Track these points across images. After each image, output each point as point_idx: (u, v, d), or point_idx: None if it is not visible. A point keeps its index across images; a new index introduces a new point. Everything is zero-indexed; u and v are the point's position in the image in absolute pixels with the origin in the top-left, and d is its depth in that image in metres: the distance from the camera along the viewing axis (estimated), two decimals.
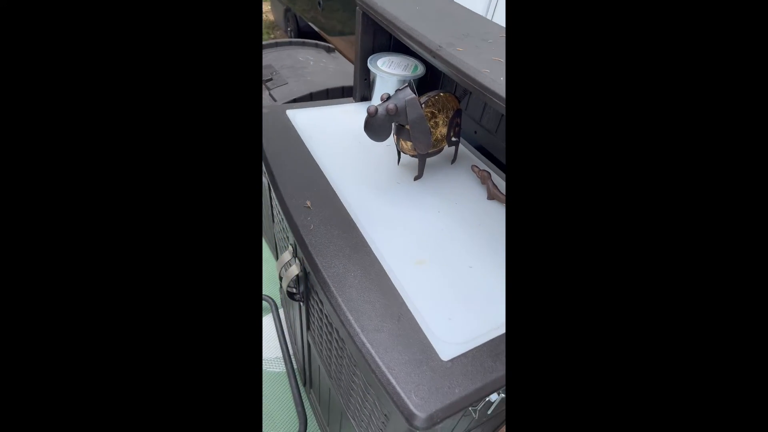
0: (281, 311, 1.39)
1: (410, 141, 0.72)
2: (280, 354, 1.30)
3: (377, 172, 0.82)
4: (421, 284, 0.60)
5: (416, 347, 0.52)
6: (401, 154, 0.83)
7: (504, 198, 0.77)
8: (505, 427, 1.12)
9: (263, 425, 1.19)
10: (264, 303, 1.43)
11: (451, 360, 0.52)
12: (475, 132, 0.93)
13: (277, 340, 1.29)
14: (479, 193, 0.81)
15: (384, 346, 0.52)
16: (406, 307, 0.57)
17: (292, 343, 1.23)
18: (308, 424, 1.19)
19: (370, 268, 0.62)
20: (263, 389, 1.25)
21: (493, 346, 0.54)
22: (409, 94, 0.68)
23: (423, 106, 0.74)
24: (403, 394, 0.47)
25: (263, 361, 1.32)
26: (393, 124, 0.73)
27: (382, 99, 0.68)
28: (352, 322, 0.54)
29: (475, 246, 0.69)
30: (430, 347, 0.53)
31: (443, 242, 0.68)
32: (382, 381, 0.49)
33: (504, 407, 0.79)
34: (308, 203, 0.71)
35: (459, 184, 0.83)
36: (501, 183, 0.85)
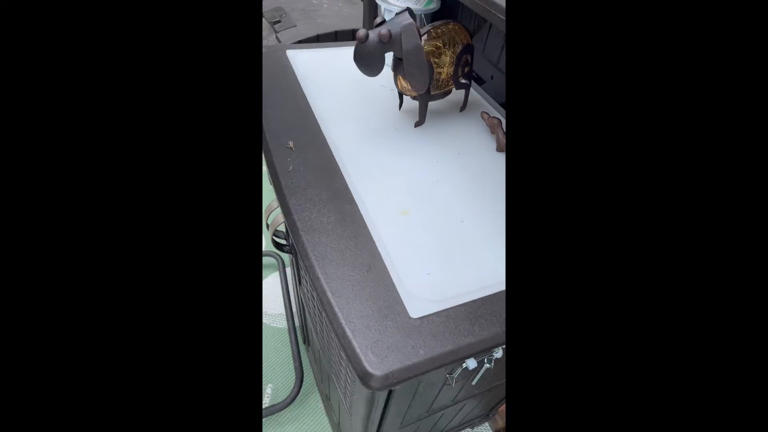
0: (288, 269, 1.38)
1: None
2: (284, 311, 1.29)
3: (375, 116, 0.75)
4: (403, 236, 0.54)
5: (383, 301, 0.46)
6: (403, 97, 0.75)
7: None
8: (505, 405, 1.06)
9: (264, 377, 1.20)
10: (271, 260, 1.42)
11: (421, 318, 0.45)
12: (492, 77, 0.82)
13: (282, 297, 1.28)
14: (488, 143, 0.71)
15: (346, 296, 0.46)
16: (380, 257, 0.51)
17: (295, 300, 1.22)
18: (306, 381, 1.18)
19: (346, 215, 0.55)
20: (267, 344, 1.26)
21: (474, 308, 0.47)
22: (406, 18, 0.58)
23: (426, 37, 0.64)
24: (358, 349, 0.42)
25: (268, 317, 1.32)
26: (392, 58, 0.64)
27: (375, 25, 0.60)
28: (316, 268, 0.48)
29: (471, 200, 0.60)
30: (399, 302, 0.46)
31: (435, 194, 0.61)
32: (338, 333, 0.44)
33: (498, 381, 0.72)
34: (290, 144, 0.65)
35: (466, 134, 0.73)
36: None
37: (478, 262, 0.52)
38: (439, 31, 0.65)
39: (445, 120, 0.76)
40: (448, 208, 0.58)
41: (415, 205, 0.58)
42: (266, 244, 1.44)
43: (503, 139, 0.68)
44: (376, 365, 0.41)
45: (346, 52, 0.94)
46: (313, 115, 0.73)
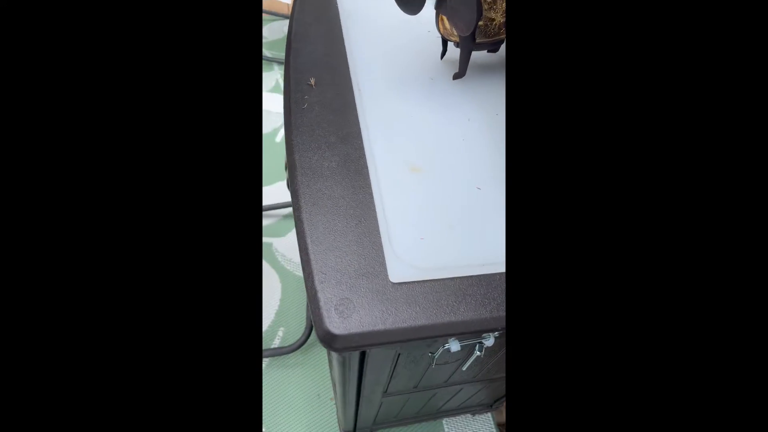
0: None
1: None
2: None
3: (412, 63, 0.67)
4: (406, 194, 0.48)
5: (365, 259, 0.42)
6: (447, 44, 0.66)
7: None
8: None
9: (278, 320, 1.23)
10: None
11: (400, 284, 0.40)
12: None
13: None
14: None
15: (326, 246, 0.42)
16: (374, 212, 0.45)
17: None
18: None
19: (350, 162, 0.50)
20: (286, 288, 1.28)
21: (465, 285, 0.41)
22: None
23: None
24: (321, 303, 0.38)
25: (292, 264, 1.34)
26: None
27: None
28: (302, 210, 0.45)
29: (495, 166, 0.52)
30: (381, 262, 0.41)
31: (456, 154, 0.53)
32: (307, 283, 0.40)
33: (500, 373, 0.66)
34: (312, 81, 0.60)
35: None
36: None
37: (483, 235, 0.45)
38: None
39: (492, 77, 0.67)
40: (467, 171, 0.51)
41: (430, 163, 0.52)
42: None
43: None
44: (336, 324, 0.37)
45: None
46: (345, 55, 0.67)
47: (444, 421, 1.11)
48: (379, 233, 0.44)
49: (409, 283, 0.40)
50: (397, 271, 0.41)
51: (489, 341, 0.45)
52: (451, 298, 0.40)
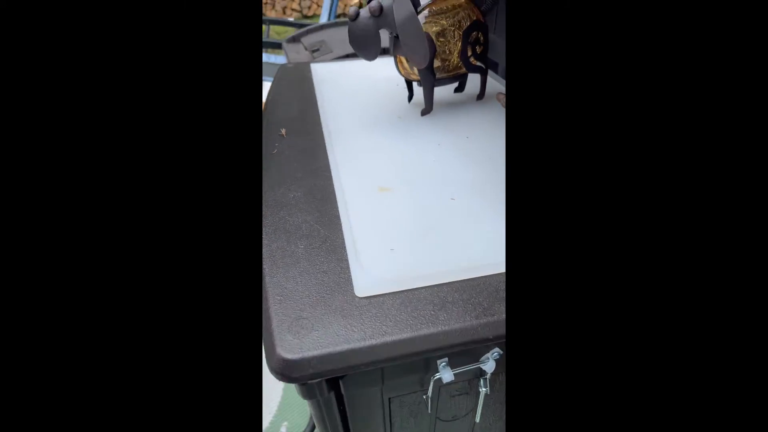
0: None
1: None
2: None
3: (381, 108, 0.69)
4: (375, 210, 0.45)
5: (328, 275, 0.37)
6: (412, 87, 0.69)
7: None
8: None
9: (281, 414, 1.10)
10: None
11: (368, 297, 0.35)
12: None
13: None
14: (504, 128, 0.61)
15: (286, 265, 0.38)
16: (340, 230, 0.42)
17: None
18: None
19: (316, 191, 0.48)
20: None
21: (444, 292, 0.35)
22: None
23: (426, 13, 0.59)
24: (274, 326, 0.32)
25: None
26: (389, 38, 0.60)
27: (368, 2, 0.56)
28: (263, 238, 0.41)
29: (470, 181, 0.50)
30: (346, 277, 0.36)
31: (428, 172, 0.51)
32: (264, 306, 0.35)
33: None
34: (283, 131, 0.62)
35: (480, 121, 0.64)
36: None
37: (462, 240, 0.40)
38: (441, 6, 0.59)
39: (459, 109, 0.68)
40: (441, 186, 0.48)
41: (400, 182, 0.49)
42: None
43: None
44: (289, 346, 0.31)
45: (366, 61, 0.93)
46: (317, 109, 0.70)
47: None
48: (345, 250, 0.39)
49: (378, 296, 0.35)
50: (364, 285, 0.36)
51: (489, 365, 0.37)
52: (429, 308, 0.34)
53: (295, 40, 1.22)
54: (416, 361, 0.36)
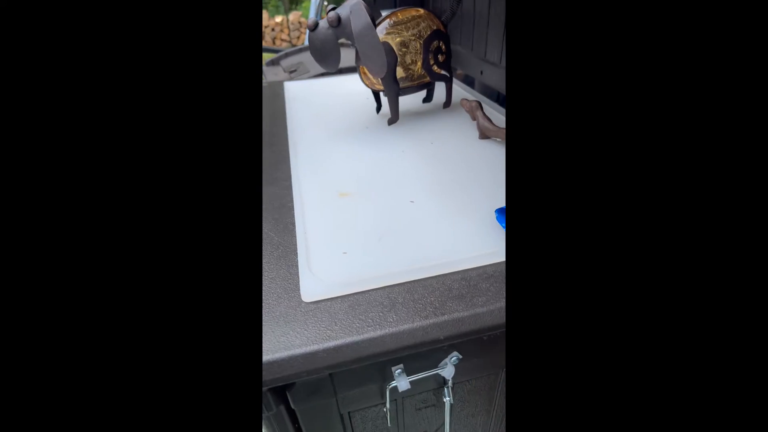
0: None
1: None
2: None
3: (349, 121, 0.69)
4: (332, 215, 0.43)
5: (276, 281, 0.35)
6: (380, 98, 0.69)
7: (497, 130, 0.55)
8: None
9: None
10: None
11: (316, 302, 0.33)
12: (481, 72, 0.73)
13: None
14: (470, 134, 0.61)
15: None
16: (294, 237, 0.41)
17: None
18: None
19: (273, 200, 0.47)
20: None
21: (396, 292, 0.34)
22: (354, 0, 0.55)
23: (387, 24, 0.60)
24: None
25: None
26: (354, 50, 0.60)
27: (327, 12, 0.57)
28: None
29: (430, 182, 0.49)
30: (295, 283, 0.35)
31: (389, 177, 0.50)
32: None
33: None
34: None
35: (446, 127, 0.64)
36: (500, 118, 0.63)
37: (418, 241, 0.39)
38: (400, 17, 0.60)
39: (426, 117, 0.68)
40: (401, 189, 0.47)
41: (360, 187, 0.48)
42: None
43: (484, 123, 0.57)
44: None
45: (341, 79, 0.94)
46: (285, 123, 0.70)
47: None
48: (296, 256, 0.38)
49: (326, 300, 0.33)
50: (312, 290, 0.34)
51: (448, 371, 0.35)
52: (378, 309, 0.32)
53: (274, 63, 1.25)
54: (368, 370, 0.34)
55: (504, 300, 0.32)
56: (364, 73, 0.63)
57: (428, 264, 0.36)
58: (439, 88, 0.77)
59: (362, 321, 0.31)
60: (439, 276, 0.35)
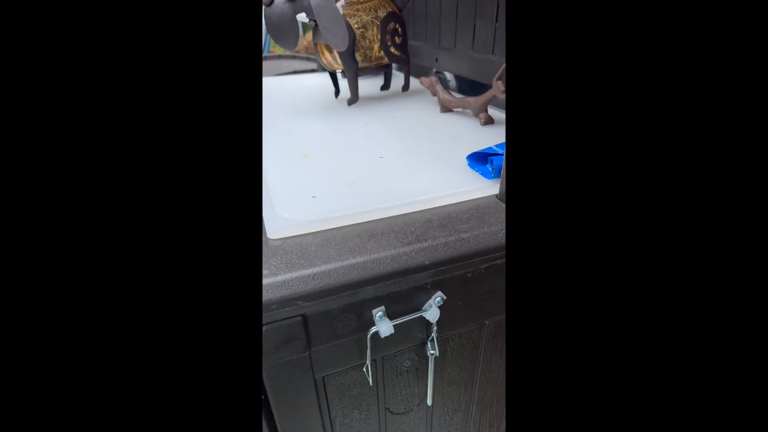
0: None
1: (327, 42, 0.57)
2: None
3: (310, 104, 0.67)
4: (296, 171, 0.40)
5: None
6: (336, 79, 0.68)
7: (458, 101, 0.56)
8: None
9: None
10: None
11: (283, 239, 0.29)
12: (436, 60, 0.76)
13: None
14: (431, 109, 0.61)
15: None
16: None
17: None
18: None
19: None
20: None
21: (372, 227, 0.31)
22: None
23: (344, 5, 0.60)
24: None
25: None
26: (313, 27, 0.59)
27: None
28: None
29: (397, 145, 0.48)
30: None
31: (356, 140, 0.49)
32: None
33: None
34: None
35: (409, 105, 0.64)
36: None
37: (389, 186, 0.37)
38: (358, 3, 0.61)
39: (385, 99, 0.68)
40: (368, 148, 0.46)
41: (325, 149, 0.46)
42: None
43: (444, 96, 0.57)
44: None
45: (292, 77, 0.93)
46: None
47: None
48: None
49: (296, 236, 0.30)
50: (278, 227, 0.30)
51: (432, 313, 0.32)
52: (356, 240, 0.29)
53: None
54: (346, 315, 0.30)
55: (487, 227, 0.31)
56: (323, 53, 0.62)
57: (405, 202, 0.34)
58: (397, 79, 0.78)
59: (339, 250, 0.28)
60: (417, 212, 0.33)
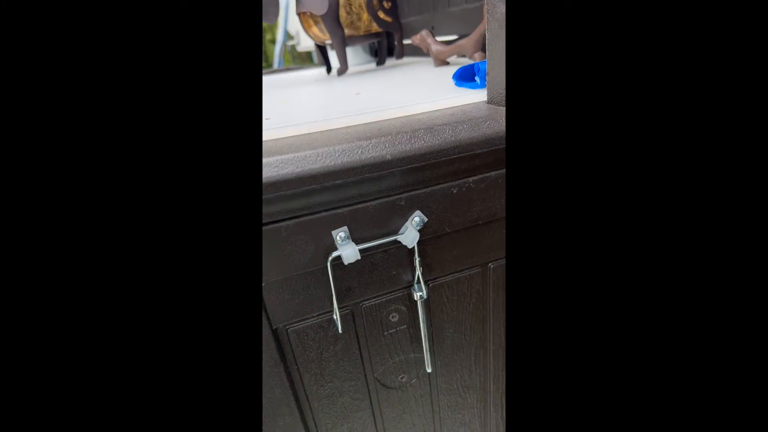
0: None
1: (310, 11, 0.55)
2: None
3: (304, 82, 0.65)
4: (270, 109, 0.36)
5: None
6: (327, 55, 0.65)
7: (452, 48, 0.51)
8: None
9: None
10: None
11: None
12: (432, 27, 0.72)
13: None
14: (427, 69, 0.56)
15: None
16: None
17: None
18: None
19: None
20: None
21: (361, 129, 0.26)
22: None
23: None
24: None
25: None
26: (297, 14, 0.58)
27: None
28: None
29: (382, 86, 0.43)
30: None
31: (330, 87, 0.44)
32: None
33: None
34: None
35: (403, 71, 0.60)
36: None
37: (364, 103, 0.32)
38: None
39: (379, 69, 0.64)
40: (347, 89, 0.41)
41: (300, 99, 0.42)
42: None
43: (437, 47, 0.53)
44: None
45: (314, 72, 0.92)
46: None
47: None
48: None
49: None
50: None
51: (410, 236, 0.26)
52: (304, 139, 0.24)
53: None
54: (299, 231, 0.24)
55: (469, 121, 0.25)
56: (309, 26, 0.60)
57: (378, 110, 0.29)
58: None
59: (281, 147, 0.23)
60: (392, 118, 0.28)
